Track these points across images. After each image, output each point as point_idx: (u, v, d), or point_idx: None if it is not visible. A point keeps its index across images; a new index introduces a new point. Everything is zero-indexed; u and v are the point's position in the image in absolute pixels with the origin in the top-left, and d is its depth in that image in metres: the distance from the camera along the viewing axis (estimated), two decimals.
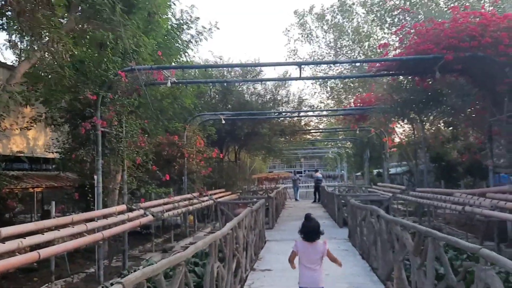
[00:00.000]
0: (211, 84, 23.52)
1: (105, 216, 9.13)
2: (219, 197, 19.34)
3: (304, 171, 63.17)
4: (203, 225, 19.39)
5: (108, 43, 10.20)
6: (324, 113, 22.87)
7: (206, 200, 16.75)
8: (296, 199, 30.25)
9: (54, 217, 7.59)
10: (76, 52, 9.40)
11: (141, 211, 10.42)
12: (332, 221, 15.86)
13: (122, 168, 10.92)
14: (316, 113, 23.01)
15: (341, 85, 26.40)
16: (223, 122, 17.94)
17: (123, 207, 10.05)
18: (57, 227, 7.24)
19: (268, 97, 24.33)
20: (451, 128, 17.22)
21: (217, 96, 23.86)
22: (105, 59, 10.18)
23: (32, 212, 14.94)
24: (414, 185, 17.07)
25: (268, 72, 55.36)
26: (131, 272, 8.70)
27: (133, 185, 12.69)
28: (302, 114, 20.68)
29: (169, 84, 10.95)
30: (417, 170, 18.30)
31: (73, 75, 9.33)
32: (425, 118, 14.92)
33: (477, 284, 3.36)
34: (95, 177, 9.59)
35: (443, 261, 4.18)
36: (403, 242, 5.38)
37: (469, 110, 13.16)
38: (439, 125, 18.29)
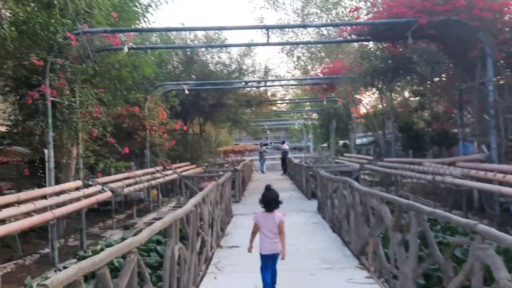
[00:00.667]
0: (173, 52, 22.56)
1: (58, 194, 8.41)
2: (184, 171, 18.69)
3: (270, 143, 62.98)
4: (168, 200, 18.78)
5: (56, 2, 9.19)
6: (292, 82, 22.27)
7: (170, 174, 16.10)
8: (262, 172, 29.99)
9: None
10: (19, 12, 8.40)
11: (99, 187, 9.70)
12: (300, 193, 15.58)
13: (77, 142, 10.10)
14: (283, 82, 22.40)
15: (308, 55, 25.90)
16: (187, 92, 17.15)
17: (78, 183, 9.29)
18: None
19: (233, 67, 23.52)
20: (418, 97, 17.11)
21: (180, 66, 22.85)
22: (53, 21, 9.17)
23: None
24: (382, 155, 16.97)
25: (234, 40, 54.12)
26: (87, 253, 8.09)
27: (91, 159, 11.90)
28: (268, 83, 20.03)
29: (125, 50, 10.10)
30: (384, 140, 18.20)
31: (16, 38, 8.33)
32: (394, 87, 14.63)
33: (472, 263, 2.97)
34: (46, 151, 8.77)
35: (428, 237, 3.78)
36: (380, 215, 4.99)
37: (439, 78, 12.94)
38: (406, 94, 18.19)
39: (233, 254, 7.02)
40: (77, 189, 9.13)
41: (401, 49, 11.56)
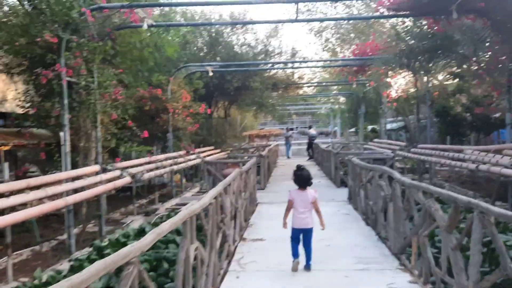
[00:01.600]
0: (198, 34, 21.92)
1: (74, 179, 7.97)
2: (208, 156, 18.20)
3: (296, 127, 61.97)
4: (191, 185, 18.37)
5: None
6: (321, 64, 21.31)
7: (194, 159, 15.61)
8: (288, 157, 29.23)
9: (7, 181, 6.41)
10: None
11: (118, 172, 9.23)
12: (328, 180, 14.85)
13: (95, 124, 9.63)
14: (311, 64, 21.46)
15: (337, 36, 24.84)
16: (211, 74, 16.50)
17: (96, 167, 8.84)
18: (10, 194, 6.08)
19: (259, 48, 22.77)
20: (457, 79, 16.02)
21: (204, 47, 22.25)
22: None
23: None
24: (415, 141, 16.03)
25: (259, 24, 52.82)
26: (104, 241, 7.64)
27: (111, 143, 11.48)
28: (296, 65, 19.17)
29: (145, 26, 9.49)
30: (418, 125, 17.21)
31: (29, 13, 7.83)
32: (432, 69, 13.62)
33: None
34: (61, 134, 8.31)
35: (498, 244, 3.06)
36: (429, 213, 4.26)
37: (483, 58, 11.90)
38: (440, 77, 17.11)
39: (258, 249, 6.41)
40: (95, 174, 8.70)
41: (442, 26, 10.58)
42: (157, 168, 11.93)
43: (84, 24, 8.70)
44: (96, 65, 9.55)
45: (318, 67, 23.04)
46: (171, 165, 12.95)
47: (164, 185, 17.10)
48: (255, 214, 9.26)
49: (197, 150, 17.34)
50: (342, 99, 40.23)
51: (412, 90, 20.43)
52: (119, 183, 8.73)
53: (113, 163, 9.64)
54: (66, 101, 8.33)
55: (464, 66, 12.79)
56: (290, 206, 5.69)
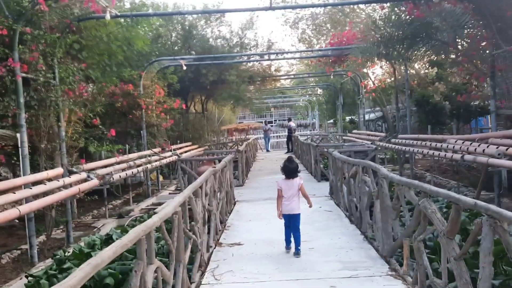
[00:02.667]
0: (171, 27, 21.18)
1: (34, 184, 7.29)
2: (185, 152, 17.58)
3: (275, 120, 61.48)
4: (169, 182, 17.74)
5: None
6: (297, 55, 20.80)
7: (169, 156, 14.98)
8: (267, 150, 28.81)
9: None
10: None
11: (83, 175, 8.57)
12: (308, 174, 14.40)
13: (58, 123, 8.92)
14: (289, 55, 20.95)
15: (313, 27, 24.38)
16: (184, 68, 15.84)
17: (58, 171, 8.15)
18: None
19: (234, 41, 22.15)
20: (435, 68, 15.75)
21: (178, 41, 21.53)
22: None
23: None
24: (395, 131, 15.73)
25: (234, 15, 51.89)
26: (65, 253, 7.00)
27: (80, 142, 10.78)
28: (272, 57, 18.64)
29: (107, 17, 8.80)
30: (398, 115, 16.91)
31: None
32: (411, 57, 13.26)
33: None
34: (18, 135, 7.61)
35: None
36: (425, 214, 3.80)
37: (464, 44, 11.59)
38: (417, 66, 16.84)
39: (235, 255, 5.88)
40: (61, 177, 8.03)
41: (422, 12, 10.18)
42: (129, 167, 11.28)
43: (39, 14, 7.98)
44: (57, 60, 8.84)
45: (295, 58, 22.59)
46: (144, 164, 12.32)
47: (141, 183, 16.43)
48: (233, 214, 8.73)
49: (173, 146, 16.71)
50: (320, 90, 39.97)
51: (389, 80, 20.22)
52: (84, 186, 8.06)
53: (79, 165, 8.96)
54: (22, 99, 7.61)
55: (444, 53, 12.42)
56: (280, 194, 6.08)
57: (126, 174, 10.32)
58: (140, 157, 12.83)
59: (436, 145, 11.03)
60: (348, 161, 7.36)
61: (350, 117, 34.43)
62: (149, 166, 12.19)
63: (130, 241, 2.68)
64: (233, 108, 30.54)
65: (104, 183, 9.14)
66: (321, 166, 13.16)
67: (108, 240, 7.15)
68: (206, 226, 5.76)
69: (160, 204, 13.85)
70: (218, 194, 7.25)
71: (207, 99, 26.42)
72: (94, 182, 8.64)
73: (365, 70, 21.19)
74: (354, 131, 23.65)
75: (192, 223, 4.83)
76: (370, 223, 6.11)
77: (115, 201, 14.37)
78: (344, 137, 22.77)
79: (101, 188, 11.49)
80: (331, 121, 40.11)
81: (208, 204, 6.20)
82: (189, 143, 19.86)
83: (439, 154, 10.29)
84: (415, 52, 12.30)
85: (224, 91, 22.59)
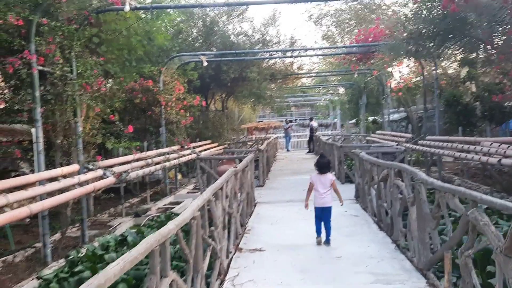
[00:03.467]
0: (192, 23, 20.90)
1: (48, 181, 7.02)
2: (204, 150, 17.26)
3: (296, 119, 60.84)
4: (187, 181, 17.45)
5: None
6: (321, 52, 20.24)
7: (188, 154, 14.66)
8: (287, 150, 28.18)
9: None
10: None
11: (99, 172, 8.27)
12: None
13: (75, 119, 8.65)
14: (312, 52, 20.38)
15: (337, 23, 23.75)
16: (205, 64, 15.50)
17: (74, 167, 7.88)
18: None
19: (256, 37, 21.71)
20: (465, 67, 15.03)
21: (200, 37, 21.22)
22: None
23: None
24: (424, 132, 15.09)
25: (256, 9, 51.07)
26: (82, 251, 6.71)
27: (97, 138, 10.53)
28: (295, 54, 18.14)
29: (127, 8, 8.49)
30: (425, 115, 16.23)
31: None
32: (443, 54, 12.63)
33: None
34: (33, 130, 7.35)
35: None
36: (474, 226, 3.32)
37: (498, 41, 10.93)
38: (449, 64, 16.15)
39: (256, 262, 5.47)
40: (76, 174, 7.75)
41: (458, 6, 9.60)
42: (147, 165, 10.98)
43: (57, 5, 7.70)
44: (74, 53, 8.57)
45: (318, 55, 21.95)
46: (162, 162, 12.01)
47: (159, 181, 16.17)
48: (253, 216, 8.32)
49: (192, 144, 16.40)
50: (341, 90, 39.22)
51: (415, 79, 19.51)
52: (99, 184, 7.77)
53: (95, 162, 8.67)
54: (37, 93, 7.34)
55: (477, 50, 11.76)
56: (310, 188, 6.59)
57: (144, 172, 10.02)
58: (159, 155, 12.54)
59: (469, 147, 10.43)
60: (378, 163, 6.87)
61: (373, 118, 33.70)
62: (167, 164, 11.87)
63: (141, 254, 2.30)
64: (253, 106, 30.11)
65: (120, 181, 8.85)
66: (344, 167, 12.68)
67: (122, 241, 6.84)
68: (226, 231, 5.36)
69: (177, 203, 13.56)
70: (239, 195, 6.85)
71: (228, 96, 26.07)
72: (110, 180, 8.34)
73: (389, 69, 20.56)
74: (378, 131, 23.00)
75: (212, 228, 4.44)
76: (403, 231, 5.62)
77: (132, 199, 14.11)
78: (367, 138, 22.15)
79: (118, 186, 11.29)
80: (353, 121, 39.36)
81: (229, 206, 5.81)
82: (209, 141, 19.54)
83: (472, 157, 9.69)
84: (447, 49, 11.67)
85: (244, 89, 22.19)
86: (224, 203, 5.33)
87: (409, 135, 16.36)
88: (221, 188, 5.19)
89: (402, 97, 23.14)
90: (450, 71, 19.05)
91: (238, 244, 6.22)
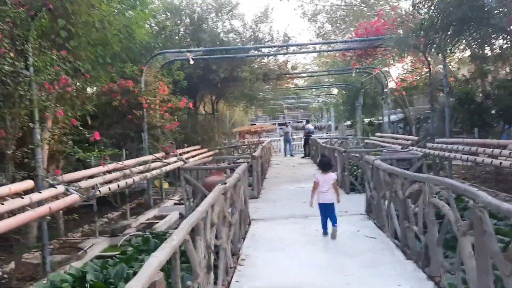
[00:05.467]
0: (178, 19, 19.47)
1: None
2: (192, 156, 15.83)
3: (289, 122, 59.65)
4: (174, 190, 15.99)
5: None
6: (318, 48, 18.84)
7: (174, 162, 13.22)
8: (291, 155, 25.96)
9: None
10: None
11: (61, 188, 6.80)
12: None
13: (29, 125, 7.17)
14: (309, 48, 18.98)
15: (332, 20, 22.49)
16: (191, 62, 14.09)
17: (27, 184, 6.40)
18: None
19: (247, 35, 20.33)
20: (477, 62, 13.77)
21: (187, 35, 19.79)
22: None
23: None
24: (435, 134, 13.77)
25: (247, 5, 49.45)
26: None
27: (67, 147, 9.11)
28: (290, 50, 16.75)
29: None
30: (433, 115, 14.94)
31: None
32: (458, 46, 11.31)
33: None
34: None
35: None
36: None
37: None
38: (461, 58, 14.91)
39: None
40: (26, 192, 6.28)
41: None
42: (124, 176, 9.52)
43: None
44: (30, 45, 7.12)
45: (315, 51, 20.58)
46: (143, 171, 10.55)
47: (144, 191, 14.69)
48: (247, 239, 6.89)
49: (179, 150, 14.96)
50: (335, 91, 37.93)
51: (420, 76, 18.26)
52: (57, 205, 6.28)
53: (56, 176, 7.20)
54: None
55: (498, 41, 10.47)
56: (315, 186, 6.97)
57: (119, 185, 8.53)
58: (139, 164, 11.09)
59: (493, 151, 9.11)
60: (405, 175, 5.47)
61: (369, 119, 32.40)
62: (148, 175, 10.41)
63: None
64: (245, 108, 28.68)
65: (88, 198, 7.37)
66: (343, 172, 11.30)
67: (82, 279, 5.37)
68: (212, 273, 3.93)
69: (162, 217, 12.10)
70: (230, 217, 5.42)
71: (218, 98, 24.64)
72: (73, 198, 6.87)
73: (392, 66, 19.34)
74: (378, 134, 21.69)
75: (188, 283, 3.02)
76: (447, 267, 4.22)
77: (111, 213, 12.66)
78: (366, 141, 20.84)
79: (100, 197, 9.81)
80: (348, 123, 38.07)
81: (216, 237, 4.39)
82: (198, 147, 18.12)
83: (500, 163, 8.36)
84: (461, 41, 10.36)
85: (236, 90, 20.78)
86: (209, 236, 3.90)
87: (415, 138, 15.06)
88: (205, 218, 3.76)
89: (399, 98, 21.90)
90: (456, 68, 17.86)
91: (229, 283, 4.79)
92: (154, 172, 10.98)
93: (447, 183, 4.16)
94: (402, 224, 5.62)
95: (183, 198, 9.64)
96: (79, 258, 8.20)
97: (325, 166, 7.24)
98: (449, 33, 10.51)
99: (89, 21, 10.00)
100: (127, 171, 9.77)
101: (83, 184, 7.47)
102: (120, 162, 10.11)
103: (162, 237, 7.77)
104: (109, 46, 10.98)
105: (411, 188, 5.11)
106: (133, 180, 9.48)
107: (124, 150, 11.78)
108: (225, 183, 5.22)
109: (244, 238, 6.85)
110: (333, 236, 6.63)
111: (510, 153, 8.33)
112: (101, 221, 11.66)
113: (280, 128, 29.01)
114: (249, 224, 7.90)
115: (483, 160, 9.07)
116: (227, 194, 5.28)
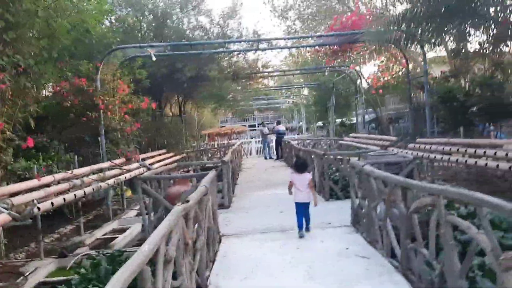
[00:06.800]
0: (140, 15, 18.18)
1: None
2: (157, 162, 14.59)
3: (259, 124, 58.72)
4: (138, 198, 14.65)
5: None
6: (292, 43, 17.82)
7: (136, 168, 11.97)
8: (270, 157, 24.43)
9: None
10: None
11: None
12: None
13: None
14: (282, 43, 17.96)
15: (305, 17, 21.61)
16: (154, 58, 12.86)
17: None
18: None
19: (215, 32, 19.22)
20: (458, 58, 13.10)
21: (150, 32, 18.53)
22: None
23: None
24: (414, 134, 13.00)
25: (215, 3, 48.15)
26: None
27: (7, 155, 7.82)
28: (262, 47, 15.70)
29: None
30: (411, 114, 14.20)
31: None
32: (438, 41, 10.55)
33: None
34: None
35: None
36: None
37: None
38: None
39: None
40: None
41: None
42: (74, 188, 8.24)
43: None
44: None
45: (288, 47, 19.60)
46: (98, 181, 9.27)
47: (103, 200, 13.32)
48: (217, 263, 5.76)
49: (142, 155, 13.72)
50: (306, 92, 37.22)
51: (396, 73, 17.61)
52: None
53: None
54: None
55: (489, 33, 9.71)
56: (290, 186, 7.13)
57: (65, 199, 7.25)
58: (95, 172, 9.81)
59: (485, 152, 8.34)
60: (409, 184, 4.48)
61: (340, 120, 31.79)
62: (103, 184, 9.14)
63: None
64: (214, 109, 27.51)
65: (22, 219, 6.06)
66: (317, 177, 10.35)
67: None
68: None
69: (123, 230, 10.83)
70: (194, 243, 4.30)
71: (185, 99, 23.40)
72: (3, 219, 5.59)
73: (357, 68, 18.59)
74: (352, 134, 20.93)
75: None
76: None
77: (64, 228, 11.26)
78: (340, 142, 20.03)
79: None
80: (320, 123, 37.41)
81: (173, 276, 3.26)
82: (163, 151, 16.87)
83: (497, 165, 7.55)
84: (451, 31, 9.57)
85: (204, 90, 19.64)
86: (161, 281, 2.78)
87: (393, 138, 14.29)
88: (158, 250, 2.64)
89: (371, 98, 21.26)
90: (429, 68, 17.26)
91: None
92: (110, 181, 9.71)
93: (478, 198, 3.18)
94: (404, 243, 4.63)
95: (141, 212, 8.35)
96: (17, 286, 6.92)
97: (300, 167, 7.14)
98: (434, 24, 9.70)
99: (32, 10, 8.70)
100: (77, 181, 8.50)
101: (18, 200, 6.19)
102: (70, 171, 8.83)
103: (117, 258, 6.59)
104: (56, 39, 9.67)
105: (419, 201, 4.11)
106: (84, 192, 8.19)
107: (76, 157, 10.45)
108: (187, 201, 4.09)
109: (213, 262, 5.73)
110: (301, 235, 6.78)
111: (507, 154, 7.56)
112: (51, 237, 10.30)
113: (252, 130, 27.85)
114: (220, 241, 6.78)
115: (475, 163, 8.27)
116: (190, 213, 4.16)
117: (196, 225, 4.64)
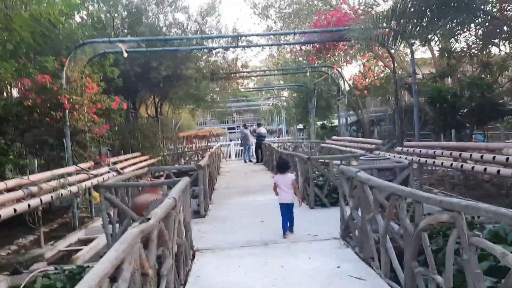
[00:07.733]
0: (115, 13, 17.20)
1: None
2: (130, 165, 13.67)
3: (238, 126, 57.84)
4: (107, 205, 13.67)
5: None
6: (273, 41, 17.06)
7: (105, 173, 11.03)
8: (250, 161, 23.56)
9: None
10: None
11: None
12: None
13: None
14: (263, 41, 17.18)
15: (284, 15, 20.94)
16: (125, 55, 11.92)
17: None
18: None
19: (193, 29, 18.34)
20: (447, 57, 12.55)
21: (124, 29, 17.54)
22: None
23: None
24: (398, 137, 12.41)
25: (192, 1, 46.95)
26: None
27: None
28: (241, 44, 14.90)
29: None
30: (398, 116, 13.59)
31: None
32: (429, 37, 9.96)
33: None
34: None
35: None
36: None
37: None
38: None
39: None
40: None
41: None
42: (24, 198, 7.28)
43: None
44: None
45: (269, 45, 18.86)
46: (58, 187, 8.32)
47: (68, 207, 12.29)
48: (189, 284, 4.94)
49: (113, 159, 12.78)
50: (286, 94, 36.70)
51: (382, 74, 17.08)
52: None
53: None
54: None
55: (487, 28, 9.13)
56: (275, 187, 7.24)
57: (15, 210, 6.32)
58: (57, 178, 8.85)
59: (482, 156, 7.74)
60: (416, 196, 3.75)
61: (321, 122, 31.25)
62: (64, 191, 8.20)
63: None
64: (192, 111, 26.57)
65: None
66: (302, 182, 9.63)
67: None
68: None
69: (89, 241, 9.89)
70: (158, 270, 3.47)
71: (162, 100, 22.43)
72: None
73: (339, 69, 18.01)
74: (334, 137, 20.32)
75: None
76: None
77: (24, 238, 10.24)
78: (322, 145, 19.41)
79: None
80: (300, 126, 36.85)
81: None
82: (137, 154, 15.93)
83: (498, 171, 6.93)
84: (444, 26, 8.95)
85: (180, 90, 18.72)
86: None
87: (378, 141, 13.71)
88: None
89: (352, 100, 20.76)
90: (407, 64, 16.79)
91: None
92: (74, 188, 8.76)
93: (472, 207, 2.46)
94: (410, 266, 3.89)
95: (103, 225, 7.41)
96: None
97: (282, 168, 7.25)
98: (425, 20, 9.08)
99: None
100: (34, 188, 7.56)
101: None
102: (26, 177, 7.87)
103: (76, 276, 5.76)
104: (14, 31, 8.70)
105: (433, 218, 3.38)
106: (41, 200, 7.26)
107: (36, 160, 9.47)
108: (149, 218, 3.27)
109: (184, 284, 4.90)
110: (285, 236, 6.80)
111: (507, 158, 6.95)
112: (8, 249, 9.29)
113: (231, 133, 27.02)
114: (193, 257, 5.96)
115: (473, 168, 7.66)
116: (153, 234, 3.33)
117: (162, 249, 3.81)
